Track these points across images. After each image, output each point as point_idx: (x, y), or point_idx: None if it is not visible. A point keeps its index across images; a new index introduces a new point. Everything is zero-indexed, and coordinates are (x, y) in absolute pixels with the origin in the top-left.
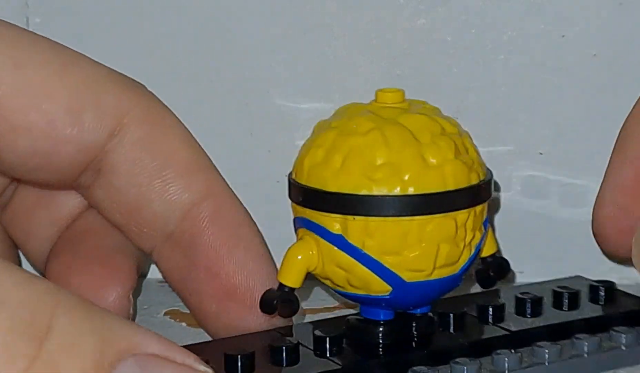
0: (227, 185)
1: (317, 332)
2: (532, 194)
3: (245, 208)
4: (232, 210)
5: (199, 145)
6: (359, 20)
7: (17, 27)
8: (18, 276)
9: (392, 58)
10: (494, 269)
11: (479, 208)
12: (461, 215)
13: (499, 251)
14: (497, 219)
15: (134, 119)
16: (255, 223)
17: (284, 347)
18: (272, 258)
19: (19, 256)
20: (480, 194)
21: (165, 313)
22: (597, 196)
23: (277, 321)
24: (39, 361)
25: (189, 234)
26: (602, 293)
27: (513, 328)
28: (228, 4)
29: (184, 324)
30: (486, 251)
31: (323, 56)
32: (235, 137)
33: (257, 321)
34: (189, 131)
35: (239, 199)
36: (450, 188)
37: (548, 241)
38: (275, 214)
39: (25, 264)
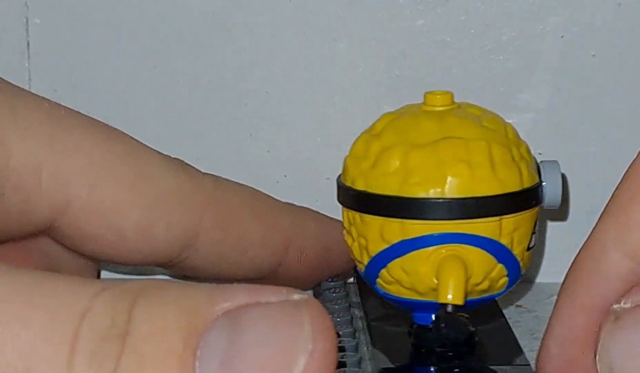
0: (303, 219)
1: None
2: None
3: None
4: (315, 239)
5: (264, 199)
6: (358, 20)
7: (96, 125)
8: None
9: (392, 58)
10: None
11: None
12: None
13: None
14: None
15: (206, 227)
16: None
17: None
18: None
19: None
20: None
21: None
22: (542, 347)
23: None
24: (124, 357)
25: (284, 278)
26: None
27: None
28: (228, 4)
29: None
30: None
31: (322, 56)
32: (234, 138)
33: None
34: (251, 192)
35: (315, 219)
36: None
37: (548, 241)
38: None
39: None
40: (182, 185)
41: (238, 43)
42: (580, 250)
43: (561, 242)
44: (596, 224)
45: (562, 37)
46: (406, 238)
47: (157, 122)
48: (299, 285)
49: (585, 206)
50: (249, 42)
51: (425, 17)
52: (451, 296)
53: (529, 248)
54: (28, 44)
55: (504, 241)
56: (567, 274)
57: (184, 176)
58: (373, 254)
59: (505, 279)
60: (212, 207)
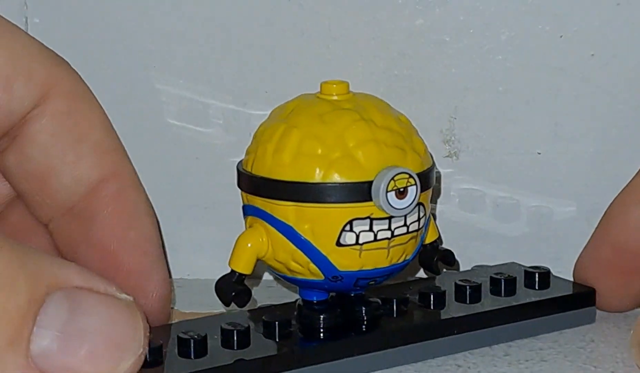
0: (135, 171)
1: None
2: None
3: (147, 196)
4: (134, 194)
5: (113, 128)
6: (357, 20)
7: None
8: None
9: (390, 58)
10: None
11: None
12: None
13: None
14: (497, 219)
15: (59, 93)
16: (154, 213)
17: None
18: (164, 247)
19: None
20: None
21: None
22: (577, 260)
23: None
24: None
25: (89, 210)
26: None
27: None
28: (227, 4)
29: None
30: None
31: (321, 56)
32: (234, 138)
33: (148, 302)
34: (105, 113)
35: (143, 188)
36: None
37: (548, 241)
38: None
39: None
40: (43, 48)
41: (237, 43)
42: None
43: (560, 243)
44: None
45: (560, 36)
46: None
47: (156, 122)
48: (93, 244)
49: (585, 206)
50: (248, 42)
51: (424, 17)
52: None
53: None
54: None
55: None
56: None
57: (45, 47)
58: None
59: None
60: (68, 79)
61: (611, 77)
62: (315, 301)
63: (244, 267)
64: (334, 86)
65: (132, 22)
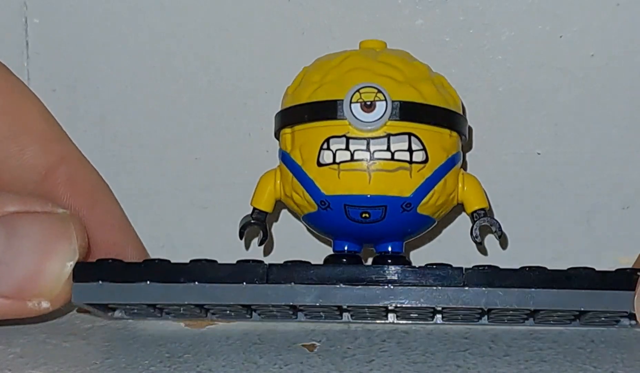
0: (82, 154)
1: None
2: (528, 195)
3: (100, 175)
4: (88, 176)
5: (54, 118)
6: (357, 20)
7: None
8: None
9: None
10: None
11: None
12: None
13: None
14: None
15: None
16: (111, 190)
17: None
18: (127, 218)
19: None
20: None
21: None
22: None
23: None
24: None
25: (48, 197)
26: None
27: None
28: (227, 4)
29: (182, 324)
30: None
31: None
32: (233, 138)
33: None
34: (43, 106)
35: (94, 167)
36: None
37: (547, 241)
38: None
39: None
40: None
41: (237, 43)
42: None
43: (560, 243)
44: None
45: (560, 37)
46: None
47: (155, 122)
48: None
49: (585, 206)
50: (248, 42)
51: (424, 17)
52: None
53: None
54: (27, 44)
55: None
56: None
57: None
58: None
59: None
60: (1, 77)
61: (611, 77)
62: (345, 251)
63: (261, 203)
64: (371, 41)
65: (131, 22)
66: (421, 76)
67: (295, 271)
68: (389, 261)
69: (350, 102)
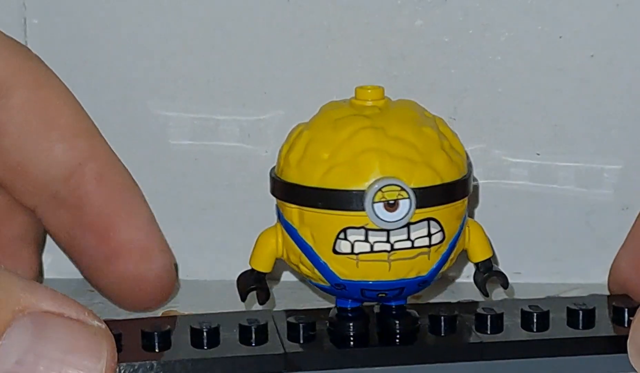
0: (111, 149)
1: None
2: (527, 195)
3: (128, 171)
4: (117, 172)
5: (84, 110)
6: (356, 21)
7: None
8: None
9: (389, 59)
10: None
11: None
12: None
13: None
14: (496, 219)
15: (21, 82)
16: (138, 187)
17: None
18: (155, 221)
19: None
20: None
21: (163, 314)
22: (614, 260)
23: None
24: None
25: (76, 194)
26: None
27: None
28: (226, 4)
29: None
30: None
31: (320, 57)
32: (232, 139)
33: (153, 272)
34: (73, 96)
35: (122, 163)
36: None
37: (546, 242)
38: (271, 216)
39: None
40: (11, 41)
41: (236, 44)
42: None
43: (559, 243)
44: None
45: (560, 37)
46: None
47: (155, 122)
48: (85, 226)
49: (585, 207)
50: (247, 42)
51: (423, 17)
52: None
53: None
54: (26, 44)
55: None
56: None
57: (2, 35)
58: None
59: None
60: (29, 67)
61: (611, 78)
62: (349, 308)
63: (260, 265)
64: (369, 91)
65: (130, 22)
66: (433, 145)
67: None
68: (394, 312)
69: (373, 202)
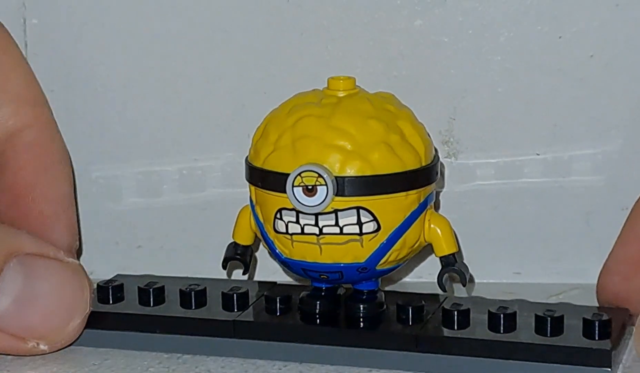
0: (54, 121)
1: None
2: (527, 195)
3: (65, 147)
4: (50, 143)
5: (37, 82)
6: (356, 21)
7: None
8: None
9: (389, 59)
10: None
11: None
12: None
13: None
14: (496, 219)
15: None
16: (70, 164)
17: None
18: (75, 198)
19: None
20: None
21: None
22: (603, 267)
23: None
24: None
25: (5, 156)
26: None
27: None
28: (225, 5)
29: None
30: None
31: (320, 57)
32: (232, 139)
33: (60, 240)
34: (27, 65)
35: (62, 139)
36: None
37: (546, 242)
38: None
39: None
40: None
41: (236, 44)
42: None
43: (559, 244)
44: None
45: (559, 38)
46: None
47: (154, 122)
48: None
49: (584, 207)
50: (247, 43)
51: (422, 18)
52: None
53: None
54: (26, 45)
55: None
56: (632, 208)
57: None
58: None
59: None
60: None
61: (610, 78)
62: (324, 288)
63: (239, 237)
64: (340, 81)
65: (130, 22)
66: (374, 138)
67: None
68: (363, 297)
69: (293, 186)
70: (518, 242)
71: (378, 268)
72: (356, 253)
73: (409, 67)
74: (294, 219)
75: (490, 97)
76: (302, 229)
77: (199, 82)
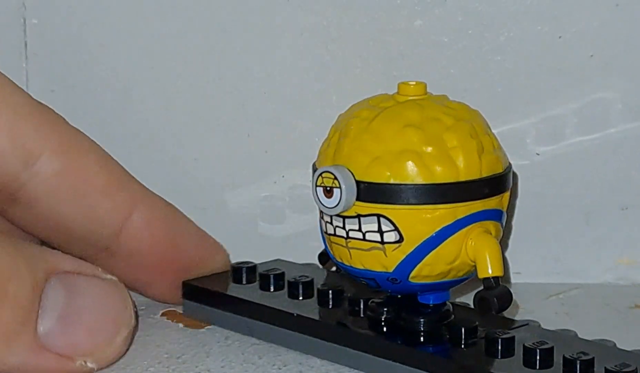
0: (154, 194)
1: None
2: (527, 195)
3: (176, 208)
4: (163, 214)
5: (118, 164)
6: (356, 21)
7: None
8: None
9: (389, 59)
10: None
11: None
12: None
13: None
14: None
15: (49, 150)
16: (190, 220)
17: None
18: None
19: None
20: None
21: (162, 314)
22: None
23: None
24: None
25: (127, 247)
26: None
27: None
28: (226, 5)
29: (180, 325)
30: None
31: (320, 57)
32: (232, 139)
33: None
34: (106, 153)
35: (165, 202)
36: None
37: (546, 242)
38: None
39: None
40: (31, 104)
41: (236, 44)
42: None
43: (559, 244)
44: None
45: (559, 37)
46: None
47: (154, 123)
48: (144, 267)
49: (584, 207)
50: (247, 43)
51: (423, 18)
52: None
53: None
54: (25, 45)
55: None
56: None
57: (34, 102)
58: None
59: None
60: (57, 133)
61: (610, 78)
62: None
63: None
64: (411, 86)
65: (130, 22)
66: (403, 147)
67: None
68: (426, 310)
69: (316, 185)
70: (518, 242)
71: (413, 280)
72: (383, 262)
73: (409, 67)
74: (330, 219)
75: (491, 97)
76: (335, 230)
77: (199, 82)
